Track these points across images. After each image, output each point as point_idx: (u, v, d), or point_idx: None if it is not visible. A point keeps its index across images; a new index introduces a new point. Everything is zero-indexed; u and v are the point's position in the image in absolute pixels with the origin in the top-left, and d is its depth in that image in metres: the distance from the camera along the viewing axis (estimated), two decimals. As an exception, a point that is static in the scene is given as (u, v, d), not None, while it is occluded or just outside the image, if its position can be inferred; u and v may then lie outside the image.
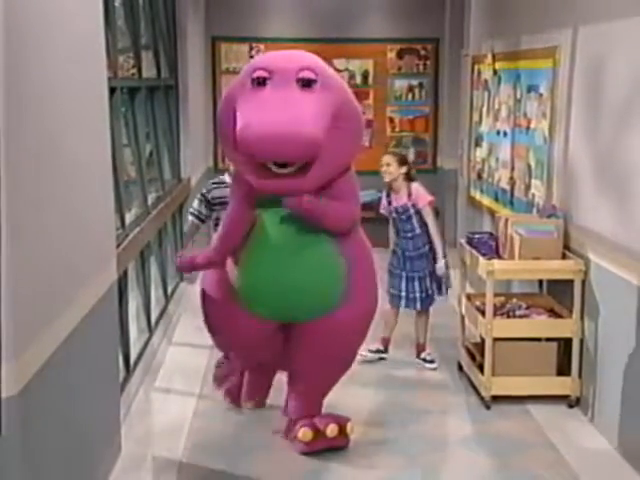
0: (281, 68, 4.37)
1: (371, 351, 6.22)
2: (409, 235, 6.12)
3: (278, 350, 4.89)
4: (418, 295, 6.15)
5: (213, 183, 5.89)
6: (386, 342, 6.32)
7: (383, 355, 6.30)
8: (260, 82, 4.34)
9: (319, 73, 4.42)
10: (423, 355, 6.25)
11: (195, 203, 5.87)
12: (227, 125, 4.39)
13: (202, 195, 5.84)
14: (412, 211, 6.09)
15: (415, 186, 6.13)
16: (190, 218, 5.93)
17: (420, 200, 6.09)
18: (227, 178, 5.62)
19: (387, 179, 6.13)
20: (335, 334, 4.66)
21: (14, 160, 2.91)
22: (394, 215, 6.17)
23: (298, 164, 4.29)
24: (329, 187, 4.51)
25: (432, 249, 6.10)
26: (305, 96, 4.30)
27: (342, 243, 4.61)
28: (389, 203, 6.20)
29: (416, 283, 6.14)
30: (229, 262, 4.66)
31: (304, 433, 4.73)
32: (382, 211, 6.29)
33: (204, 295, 4.88)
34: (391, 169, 6.11)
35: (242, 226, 4.58)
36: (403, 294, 6.17)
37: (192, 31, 8.93)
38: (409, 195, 6.10)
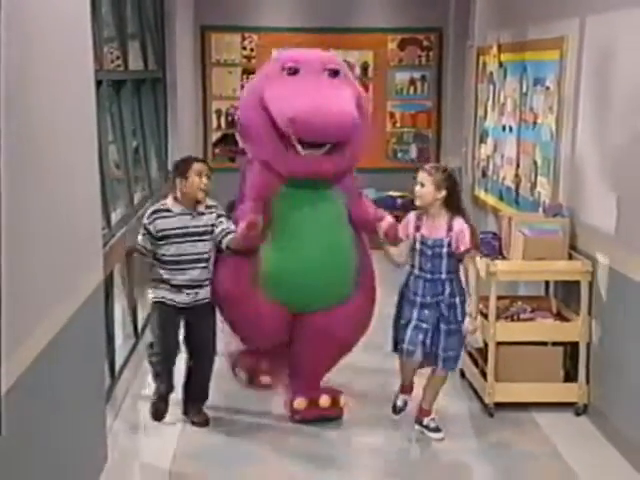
0: (309, 60, 5.08)
1: (397, 409, 5.39)
2: (428, 277, 5.03)
3: (288, 338, 5.34)
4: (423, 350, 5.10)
5: (155, 212, 5.18)
6: (407, 389, 5.38)
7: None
8: (291, 72, 4.99)
9: (340, 66, 5.18)
10: (426, 421, 5.24)
11: (139, 237, 5.22)
12: (256, 114, 4.96)
13: (144, 227, 5.17)
14: (446, 250, 4.99)
15: (461, 222, 4.98)
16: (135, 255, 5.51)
17: (462, 242, 4.95)
18: (171, 203, 5.19)
19: (418, 203, 5.02)
20: (349, 321, 5.26)
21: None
22: (418, 246, 5.05)
23: (327, 147, 4.85)
24: (342, 179, 5.13)
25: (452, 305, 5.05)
26: (337, 83, 5.01)
27: (356, 235, 5.25)
28: (417, 229, 5.08)
29: (421, 335, 5.05)
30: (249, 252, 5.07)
31: (299, 402, 5.34)
32: (400, 236, 5.13)
33: (221, 288, 5.19)
34: (424, 191, 4.97)
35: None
36: (405, 346, 5.10)
37: (180, 20, 8.96)
38: (449, 229, 5.01)
